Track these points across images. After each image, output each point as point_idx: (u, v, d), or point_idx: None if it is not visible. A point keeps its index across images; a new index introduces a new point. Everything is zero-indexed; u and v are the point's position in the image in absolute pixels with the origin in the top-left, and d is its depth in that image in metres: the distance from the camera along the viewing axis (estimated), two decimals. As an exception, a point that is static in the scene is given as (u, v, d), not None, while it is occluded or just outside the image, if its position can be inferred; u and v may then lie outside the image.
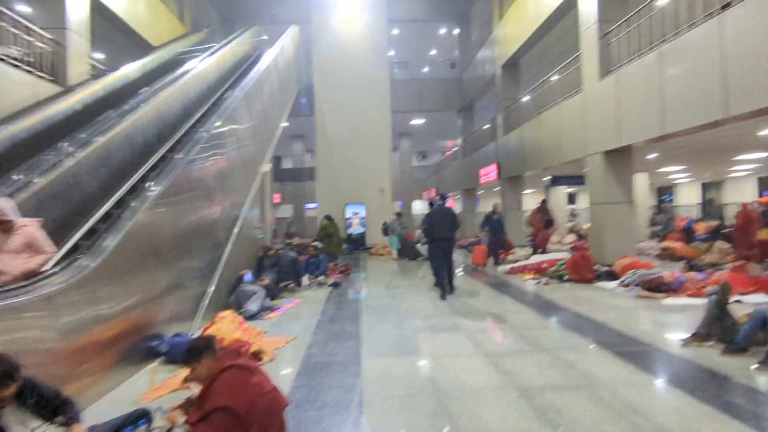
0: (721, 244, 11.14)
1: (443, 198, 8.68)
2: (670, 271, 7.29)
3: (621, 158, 8.99)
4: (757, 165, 15.83)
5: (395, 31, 23.20)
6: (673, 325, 5.31)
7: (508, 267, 10.47)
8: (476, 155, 18.87)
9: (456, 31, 22.45)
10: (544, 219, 11.83)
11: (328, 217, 13.61)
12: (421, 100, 21.67)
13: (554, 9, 10.76)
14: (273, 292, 7.58)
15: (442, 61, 23.71)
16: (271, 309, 6.76)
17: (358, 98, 17.82)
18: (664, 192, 26.45)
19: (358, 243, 17.43)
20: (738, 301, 6.41)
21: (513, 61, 14.88)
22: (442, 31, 23.76)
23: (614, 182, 9.00)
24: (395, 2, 20.11)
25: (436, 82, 22.09)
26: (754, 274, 7.45)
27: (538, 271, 9.58)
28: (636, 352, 4.24)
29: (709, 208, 23.04)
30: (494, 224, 11.62)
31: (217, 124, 7.04)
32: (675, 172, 17.93)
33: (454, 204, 33.40)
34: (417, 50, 25.88)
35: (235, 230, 7.16)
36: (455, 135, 23.28)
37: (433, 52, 26.78)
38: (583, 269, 8.59)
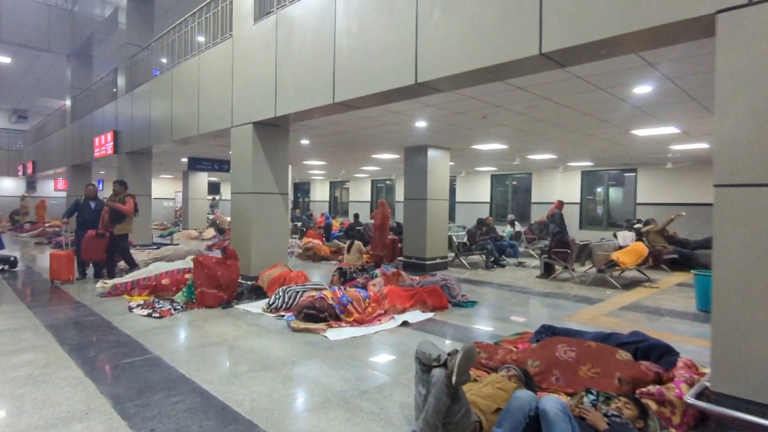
0: (359, 245, 10.89)
1: None
2: (329, 290, 5.58)
3: (276, 135, 6.92)
4: (375, 168, 17.36)
5: None
6: (361, 399, 3.33)
7: (110, 284, 6.82)
8: (89, 119, 13.66)
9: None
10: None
11: None
12: (2, 27, 14.30)
13: None
14: None
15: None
16: None
17: None
18: (299, 188, 27.47)
19: None
20: (405, 323, 5.28)
21: (144, -7, 10.97)
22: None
23: (266, 165, 6.83)
24: None
25: (32, 5, 15.06)
26: (407, 283, 6.72)
27: (156, 290, 6.42)
28: None
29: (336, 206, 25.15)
30: (112, 216, 7.55)
31: None
32: (314, 168, 17.93)
33: (67, 186, 24.98)
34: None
35: None
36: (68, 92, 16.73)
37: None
38: (226, 287, 6.06)
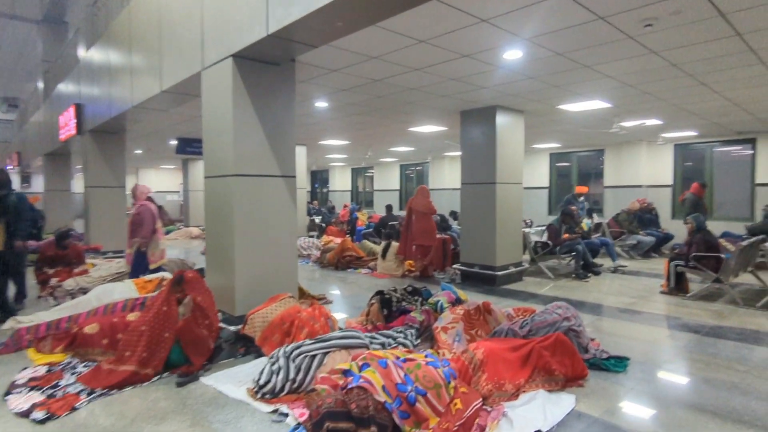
0: (396, 246, 8.09)
1: None
2: (376, 361, 2.79)
3: (274, 79, 4.17)
4: (408, 149, 14.44)
5: None
6: None
7: (22, 324, 4.22)
8: (56, 96, 11.13)
9: None
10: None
11: None
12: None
13: None
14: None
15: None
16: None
17: None
18: (316, 177, 24.70)
19: None
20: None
21: None
22: None
23: (258, 129, 4.10)
24: None
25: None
26: (503, 328, 3.87)
27: (75, 343, 3.76)
28: None
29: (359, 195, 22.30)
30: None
31: None
32: (334, 150, 15.05)
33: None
34: None
35: None
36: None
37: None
38: (199, 344, 3.38)
